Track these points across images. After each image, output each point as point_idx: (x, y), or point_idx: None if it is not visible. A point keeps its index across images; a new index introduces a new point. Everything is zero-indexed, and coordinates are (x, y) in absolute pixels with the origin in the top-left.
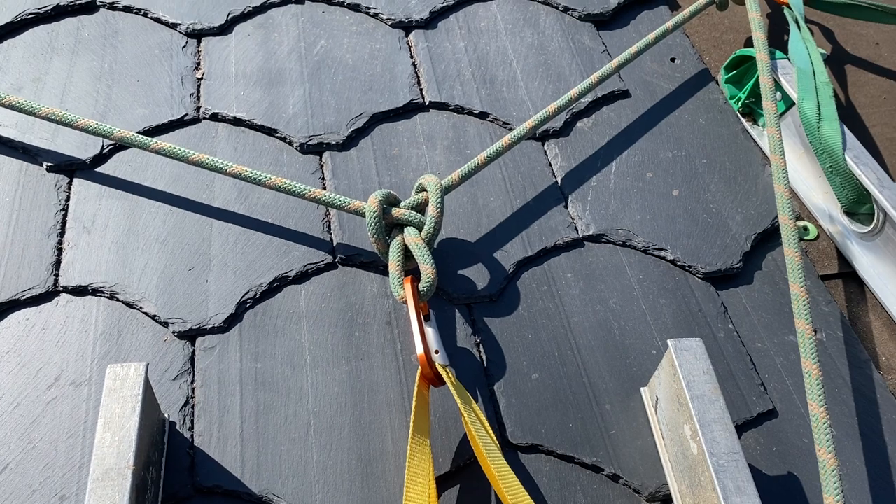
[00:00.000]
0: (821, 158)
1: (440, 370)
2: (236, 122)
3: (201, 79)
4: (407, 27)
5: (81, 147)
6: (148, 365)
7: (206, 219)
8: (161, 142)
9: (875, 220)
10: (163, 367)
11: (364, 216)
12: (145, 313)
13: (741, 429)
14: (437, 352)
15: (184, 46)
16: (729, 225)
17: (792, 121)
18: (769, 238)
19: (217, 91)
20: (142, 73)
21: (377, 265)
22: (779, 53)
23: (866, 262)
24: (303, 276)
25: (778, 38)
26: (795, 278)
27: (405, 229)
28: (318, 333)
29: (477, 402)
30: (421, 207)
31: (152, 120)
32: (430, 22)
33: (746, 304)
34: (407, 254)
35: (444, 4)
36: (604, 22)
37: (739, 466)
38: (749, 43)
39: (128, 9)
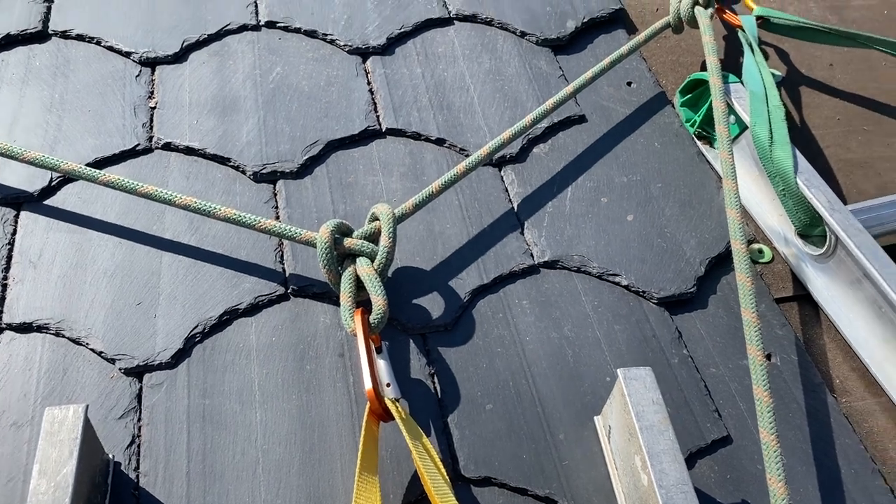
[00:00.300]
0: (773, 182)
1: (389, 404)
2: (189, 151)
3: (154, 108)
4: (364, 53)
5: (29, 180)
6: (88, 406)
7: (155, 251)
8: (109, 174)
9: (827, 243)
10: (109, 405)
11: (315, 247)
12: (91, 350)
13: (695, 456)
14: (388, 385)
15: (137, 75)
16: (683, 249)
17: (746, 144)
18: (723, 262)
19: (170, 120)
20: (93, 103)
21: (330, 296)
22: (732, 77)
23: (820, 285)
24: (254, 309)
25: (735, 60)
26: (747, 304)
27: (357, 259)
28: (269, 367)
29: (430, 434)
30: (374, 237)
31: (103, 150)
32: (388, 48)
33: (701, 328)
34: (359, 284)
35: (402, 30)
36: (561, 46)
37: (689, 499)
38: (706, 66)
39: (80, 37)
